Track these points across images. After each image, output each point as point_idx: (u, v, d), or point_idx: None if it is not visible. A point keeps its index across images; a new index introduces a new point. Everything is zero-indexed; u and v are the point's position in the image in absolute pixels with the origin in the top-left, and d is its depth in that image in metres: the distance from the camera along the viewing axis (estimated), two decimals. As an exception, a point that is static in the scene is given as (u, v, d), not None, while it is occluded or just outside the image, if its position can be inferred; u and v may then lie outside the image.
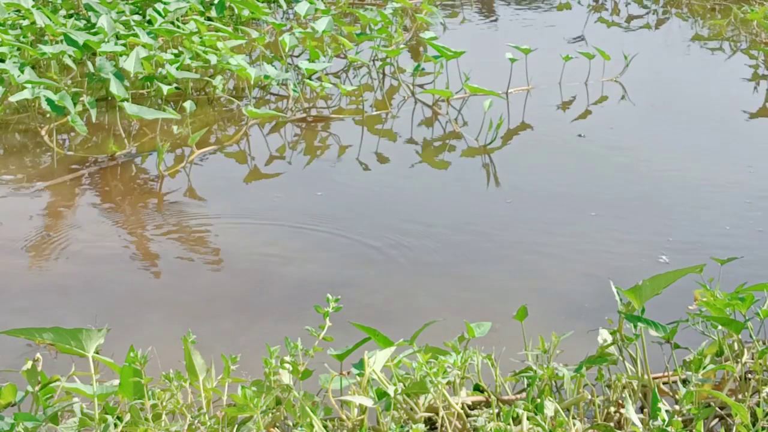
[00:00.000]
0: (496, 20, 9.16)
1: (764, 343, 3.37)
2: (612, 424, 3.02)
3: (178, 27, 6.91)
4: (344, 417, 2.96)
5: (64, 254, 4.60)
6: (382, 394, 2.90)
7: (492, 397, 3.10)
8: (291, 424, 2.96)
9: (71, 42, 6.31)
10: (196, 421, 2.84)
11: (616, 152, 5.92)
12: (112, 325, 3.78)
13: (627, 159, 5.80)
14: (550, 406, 2.91)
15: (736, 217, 5.04)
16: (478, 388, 3.19)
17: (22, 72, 5.86)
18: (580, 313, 4.04)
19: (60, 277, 4.39)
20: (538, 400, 2.94)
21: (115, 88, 5.88)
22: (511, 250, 4.68)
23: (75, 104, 5.74)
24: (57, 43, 6.53)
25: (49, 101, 5.65)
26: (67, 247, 4.66)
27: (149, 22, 6.94)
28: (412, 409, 2.97)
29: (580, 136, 6.21)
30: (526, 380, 3.15)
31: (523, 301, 3.47)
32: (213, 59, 6.45)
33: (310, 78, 6.64)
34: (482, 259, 4.60)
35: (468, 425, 3.00)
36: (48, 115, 5.90)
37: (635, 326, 3.11)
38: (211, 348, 3.33)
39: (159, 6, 7.06)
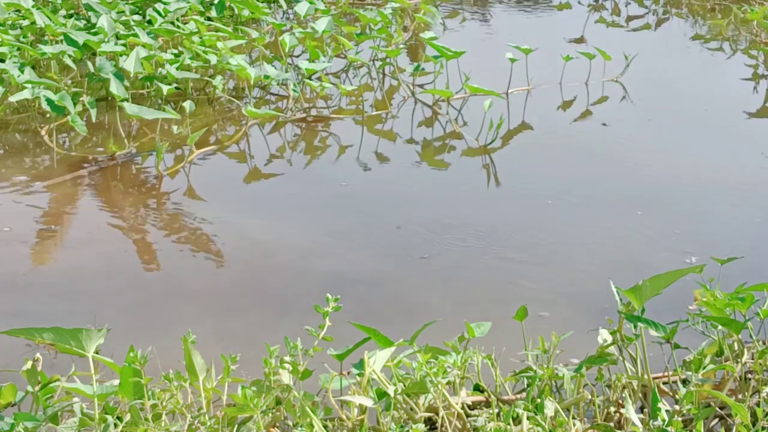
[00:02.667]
0: (495, 20, 9.16)
1: (764, 343, 3.37)
2: (612, 424, 3.02)
3: (178, 27, 6.91)
4: (344, 417, 2.96)
5: (66, 254, 4.60)
6: (382, 394, 2.90)
7: (492, 397, 3.10)
8: (291, 424, 2.96)
9: (71, 42, 6.31)
10: (196, 421, 2.84)
11: (617, 151, 5.92)
12: (122, 324, 3.80)
13: (629, 158, 5.80)
14: (550, 406, 2.91)
15: (763, 210, 5.05)
16: (478, 388, 3.19)
17: (22, 72, 5.86)
18: (602, 313, 4.02)
19: (64, 276, 4.39)
20: (538, 400, 2.94)
21: (115, 88, 5.88)
22: (518, 249, 4.68)
23: (75, 104, 5.74)
24: (57, 43, 6.52)
25: (49, 101, 5.65)
26: (68, 247, 4.66)
27: (149, 22, 6.94)
28: (412, 409, 2.97)
29: (604, 125, 6.24)
30: (526, 380, 3.15)
31: (538, 302, 3.46)
32: (213, 59, 6.45)
33: (310, 78, 6.64)
34: (488, 259, 4.60)
35: (468, 425, 3.00)
36: (48, 115, 5.90)
37: (635, 326, 3.11)
38: (231, 348, 3.32)
39: (159, 6, 7.05)
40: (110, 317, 3.90)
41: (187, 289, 4.32)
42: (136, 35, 6.48)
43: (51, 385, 3.00)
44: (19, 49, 6.35)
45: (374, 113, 6.44)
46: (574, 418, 3.00)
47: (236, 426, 2.88)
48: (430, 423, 3.04)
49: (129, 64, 6.12)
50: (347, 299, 3.70)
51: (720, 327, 3.28)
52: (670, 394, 3.28)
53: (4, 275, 4.37)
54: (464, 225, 4.90)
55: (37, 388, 2.98)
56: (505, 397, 3.19)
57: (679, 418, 2.93)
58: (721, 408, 3.16)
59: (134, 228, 4.88)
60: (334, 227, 4.86)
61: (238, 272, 4.48)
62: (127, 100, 5.85)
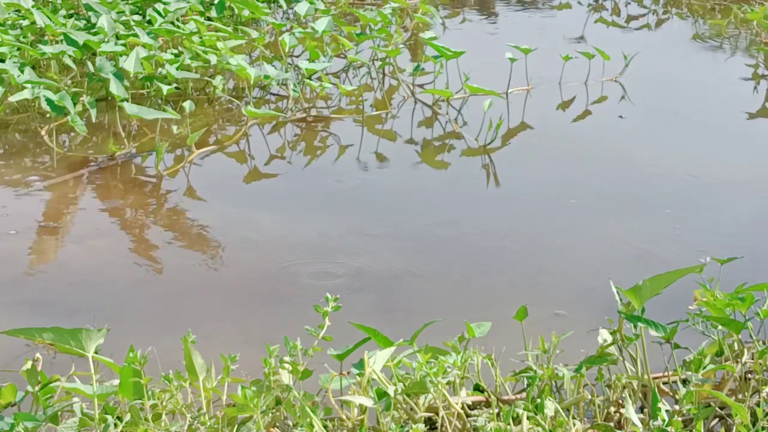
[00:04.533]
0: (496, 20, 9.16)
1: (764, 343, 3.38)
2: (612, 424, 3.02)
3: (178, 27, 6.91)
4: (344, 417, 2.96)
5: (67, 254, 4.60)
6: (382, 394, 2.90)
7: (492, 397, 3.10)
8: (291, 424, 2.96)
9: (71, 42, 6.31)
10: (196, 421, 2.84)
11: (618, 150, 5.93)
12: (126, 325, 3.80)
13: (630, 156, 5.81)
14: (550, 406, 2.91)
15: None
16: (478, 388, 3.19)
17: (22, 72, 5.86)
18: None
19: (68, 277, 4.40)
20: (538, 400, 2.94)
21: (115, 88, 5.88)
22: (529, 248, 4.68)
23: (75, 104, 5.74)
24: (57, 43, 6.52)
25: (49, 101, 5.65)
26: (68, 246, 4.66)
27: (149, 22, 6.94)
28: (412, 409, 2.97)
29: (620, 117, 6.26)
30: (526, 380, 3.15)
31: (554, 301, 3.44)
32: (213, 59, 6.45)
33: (310, 78, 6.64)
34: (497, 259, 4.60)
35: (468, 425, 3.00)
36: (48, 115, 5.90)
37: (635, 326, 3.11)
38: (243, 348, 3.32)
39: (159, 6, 7.05)
40: (119, 317, 3.91)
41: (196, 288, 4.32)
42: (136, 35, 6.48)
43: (51, 385, 3.00)
44: (19, 49, 6.35)
45: (374, 113, 6.44)
46: (574, 418, 3.00)
47: (236, 426, 2.88)
48: (430, 423, 3.04)
49: (129, 64, 6.12)
50: (350, 297, 3.71)
51: (720, 327, 3.28)
52: (670, 394, 3.28)
53: (16, 272, 4.39)
54: (470, 224, 4.91)
55: (37, 388, 2.98)
56: (505, 397, 3.19)
57: (679, 418, 2.93)
58: (721, 408, 3.16)
59: (136, 228, 4.88)
60: (335, 227, 4.86)
61: (244, 270, 4.47)
62: (126, 100, 5.85)
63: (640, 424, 2.86)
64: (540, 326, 3.44)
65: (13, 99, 5.74)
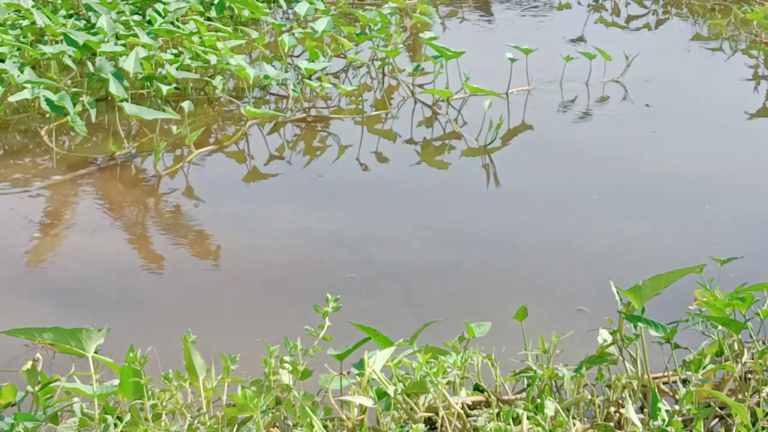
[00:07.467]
0: (495, 20, 9.15)
1: (764, 343, 3.38)
2: (612, 424, 3.02)
3: (178, 27, 6.91)
4: (344, 417, 2.96)
5: (67, 253, 4.60)
6: (382, 394, 2.90)
7: (492, 397, 3.10)
8: (291, 424, 2.96)
9: (71, 42, 6.31)
10: (196, 421, 2.84)
11: (619, 151, 5.93)
12: (127, 327, 3.80)
13: (630, 157, 5.81)
14: (550, 406, 2.91)
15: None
16: (478, 388, 3.19)
17: (22, 72, 5.86)
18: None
19: (68, 278, 4.40)
20: (538, 400, 2.94)
21: (115, 88, 5.88)
22: (539, 246, 4.68)
23: (75, 104, 5.74)
24: (57, 43, 6.52)
25: (49, 101, 5.65)
26: (69, 246, 4.66)
27: (149, 22, 6.94)
28: (412, 409, 2.97)
29: (647, 105, 6.25)
30: (526, 380, 3.15)
31: (575, 298, 3.40)
32: (213, 59, 6.45)
33: (309, 78, 6.63)
34: (510, 258, 4.60)
35: (468, 425, 3.00)
36: (48, 115, 5.90)
37: (635, 326, 3.11)
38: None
39: (159, 6, 7.05)
40: (118, 318, 3.91)
41: (205, 287, 4.32)
42: (135, 35, 6.48)
43: (51, 385, 3.00)
44: (19, 49, 6.35)
45: (374, 113, 6.44)
46: (574, 418, 3.00)
47: (236, 426, 2.88)
48: (430, 423, 3.04)
49: (128, 64, 6.12)
50: (350, 297, 3.70)
51: (720, 327, 3.28)
52: (670, 394, 3.28)
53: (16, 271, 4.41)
54: (474, 224, 4.91)
55: (37, 388, 2.98)
56: (505, 397, 3.19)
57: (679, 418, 2.93)
58: (721, 408, 3.16)
59: (136, 227, 4.88)
60: (335, 227, 4.86)
61: (249, 268, 4.48)
62: (126, 100, 5.85)
63: (640, 424, 2.86)
64: (562, 323, 3.43)
65: (13, 99, 5.74)
